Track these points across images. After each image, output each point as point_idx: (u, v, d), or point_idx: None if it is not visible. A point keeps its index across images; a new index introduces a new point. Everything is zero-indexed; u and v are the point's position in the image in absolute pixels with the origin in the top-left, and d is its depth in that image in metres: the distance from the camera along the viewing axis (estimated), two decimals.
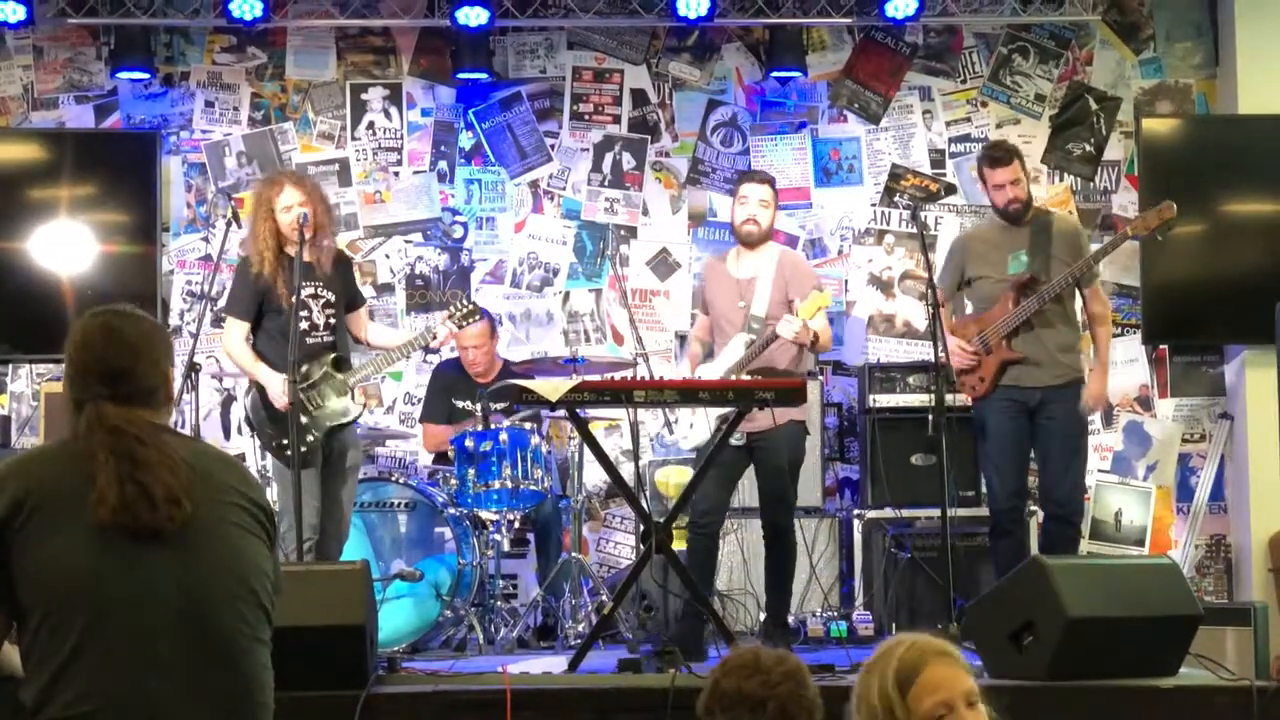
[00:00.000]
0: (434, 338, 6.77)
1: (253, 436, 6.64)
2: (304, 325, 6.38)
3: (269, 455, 6.55)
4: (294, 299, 6.24)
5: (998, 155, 6.76)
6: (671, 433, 6.85)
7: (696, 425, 6.65)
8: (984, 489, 7.12)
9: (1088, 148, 8.63)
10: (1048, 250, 6.64)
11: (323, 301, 6.45)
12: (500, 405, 7.29)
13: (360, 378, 6.58)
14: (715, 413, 6.51)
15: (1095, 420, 8.29)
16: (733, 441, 6.28)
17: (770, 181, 6.82)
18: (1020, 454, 6.69)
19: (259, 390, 6.48)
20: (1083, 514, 6.79)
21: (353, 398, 6.55)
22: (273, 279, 6.38)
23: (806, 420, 6.66)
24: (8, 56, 8.60)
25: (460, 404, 7.78)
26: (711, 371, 6.63)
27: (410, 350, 6.83)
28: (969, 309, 6.91)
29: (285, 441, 6.30)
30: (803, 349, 6.61)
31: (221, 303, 7.39)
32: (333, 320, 6.49)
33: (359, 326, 6.81)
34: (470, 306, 6.79)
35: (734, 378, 6.45)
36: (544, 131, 8.71)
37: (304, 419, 6.32)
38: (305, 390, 6.35)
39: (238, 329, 6.51)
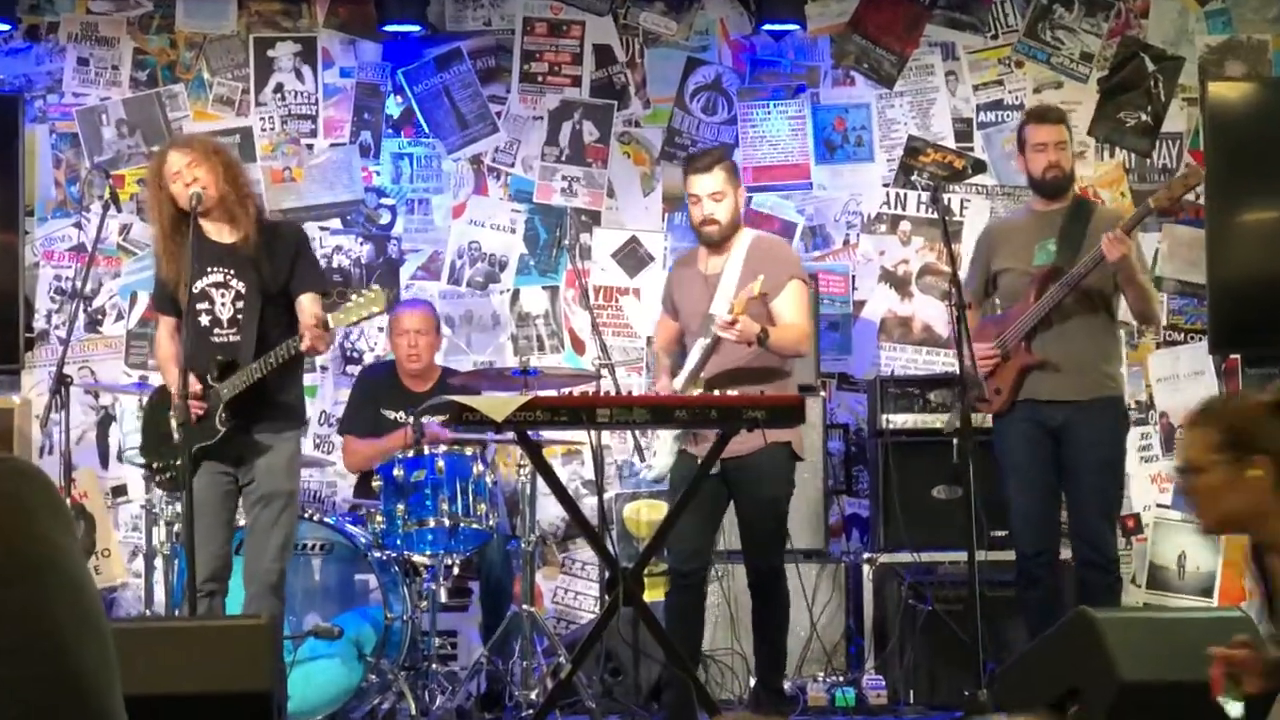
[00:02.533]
0: (305, 344, 6.21)
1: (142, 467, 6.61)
2: (204, 321, 6.32)
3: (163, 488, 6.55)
4: (192, 289, 6.19)
5: (1043, 110, 6.89)
6: (643, 459, 6.87)
7: (662, 452, 6.66)
8: None
9: (1143, 117, 8.67)
10: (1080, 240, 6.67)
11: (233, 293, 6.33)
12: (438, 418, 7.28)
13: (238, 384, 6.26)
14: (672, 434, 6.50)
15: (1153, 443, 8.34)
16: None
17: (719, 162, 6.69)
18: (1046, 485, 6.71)
19: (157, 398, 6.47)
20: (1118, 558, 6.80)
21: (222, 418, 6.26)
22: (175, 264, 6.30)
23: (796, 442, 6.62)
24: None
25: (390, 414, 7.76)
26: (676, 383, 6.61)
27: (274, 362, 6.26)
28: (998, 310, 6.94)
29: (157, 465, 6.37)
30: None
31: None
32: (240, 315, 6.37)
33: (302, 313, 6.39)
34: (367, 296, 6.27)
35: (691, 392, 6.43)
36: (488, 96, 8.71)
37: (176, 438, 6.27)
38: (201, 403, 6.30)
39: (164, 328, 6.52)
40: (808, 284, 6.81)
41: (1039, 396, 6.65)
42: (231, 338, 6.33)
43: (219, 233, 6.34)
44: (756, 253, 6.65)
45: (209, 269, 6.30)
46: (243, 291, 6.34)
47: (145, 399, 6.80)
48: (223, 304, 6.34)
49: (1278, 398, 4.05)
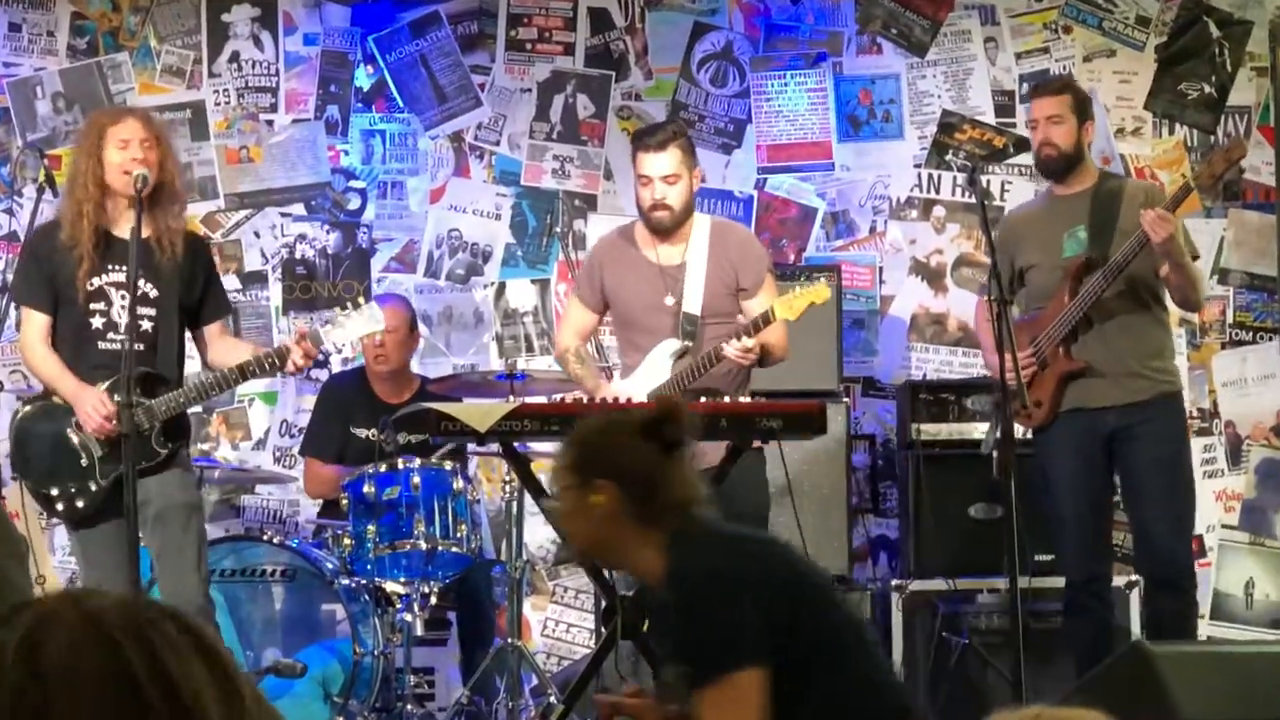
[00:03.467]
0: (283, 359, 6.23)
1: (19, 484, 6.41)
2: (97, 323, 6.20)
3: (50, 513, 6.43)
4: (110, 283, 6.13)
5: (1045, 83, 6.93)
6: None
7: None
8: None
9: (1207, 89, 8.67)
10: (1113, 223, 6.66)
11: (140, 294, 6.14)
12: (414, 436, 7.28)
13: (171, 407, 6.18)
14: None
15: (1217, 456, 8.33)
16: None
17: (674, 140, 6.62)
18: (1096, 502, 6.70)
19: (39, 411, 6.35)
20: (1194, 575, 6.79)
21: (159, 440, 6.18)
22: (82, 250, 6.16)
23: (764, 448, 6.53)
24: None
25: (361, 433, 7.75)
26: (645, 388, 6.55)
27: (239, 379, 6.32)
28: (1016, 312, 6.92)
29: (56, 492, 6.18)
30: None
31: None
32: (151, 325, 6.22)
33: (213, 346, 6.47)
34: (366, 315, 6.30)
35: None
36: (470, 66, 8.71)
37: (83, 461, 6.22)
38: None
39: (37, 324, 6.31)
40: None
41: (1088, 404, 6.63)
42: (126, 346, 6.07)
43: (123, 224, 6.19)
44: (723, 241, 6.64)
45: (110, 265, 6.19)
46: (153, 297, 6.23)
47: (18, 413, 6.49)
48: (120, 307, 6.19)
49: (649, 418, 4.15)
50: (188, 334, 6.44)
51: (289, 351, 6.17)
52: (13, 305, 6.59)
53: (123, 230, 6.20)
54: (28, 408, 6.42)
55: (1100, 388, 6.62)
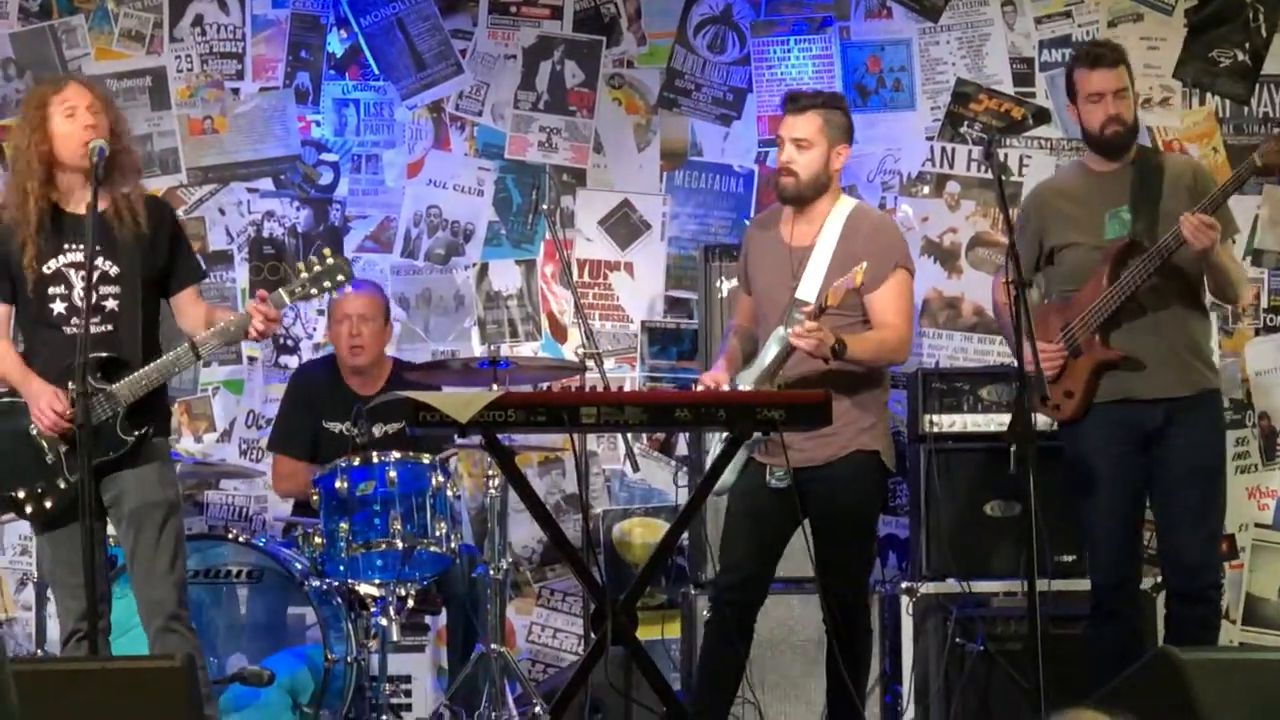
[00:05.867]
0: (258, 324, 6.17)
1: None
2: (59, 309, 6.18)
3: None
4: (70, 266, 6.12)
5: (1098, 53, 6.79)
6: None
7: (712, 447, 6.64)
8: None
9: (1240, 56, 8.67)
10: (1156, 204, 6.65)
11: (99, 274, 6.14)
12: (389, 426, 7.30)
13: (134, 390, 6.16)
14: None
15: (1251, 450, 8.34)
16: (773, 483, 6.30)
17: (818, 108, 6.63)
18: (1130, 503, 6.71)
19: (1, 410, 6.34)
20: (1222, 586, 6.82)
21: (124, 426, 6.17)
22: (28, 232, 6.14)
23: (885, 451, 6.56)
24: None
25: (334, 428, 7.76)
26: (746, 380, 6.58)
27: (210, 347, 6.30)
28: (1052, 294, 6.93)
29: (23, 494, 6.16)
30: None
31: None
32: (115, 304, 6.22)
33: (185, 314, 6.47)
34: (330, 264, 6.27)
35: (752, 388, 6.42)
36: (451, 31, 8.72)
37: (48, 458, 6.22)
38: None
39: None
40: (913, 274, 6.75)
41: (1134, 395, 6.60)
42: (98, 328, 6.12)
43: (73, 199, 6.20)
44: (856, 229, 6.60)
45: (66, 245, 6.16)
46: (114, 274, 6.21)
47: None
48: (81, 289, 6.13)
49: None
50: (164, 309, 6.42)
51: (249, 318, 6.14)
52: None
53: (77, 205, 6.18)
54: None
55: (1140, 380, 6.60)
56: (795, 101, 6.69)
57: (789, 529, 6.53)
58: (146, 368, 6.15)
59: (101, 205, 6.14)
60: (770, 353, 6.50)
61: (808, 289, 6.50)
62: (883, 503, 6.68)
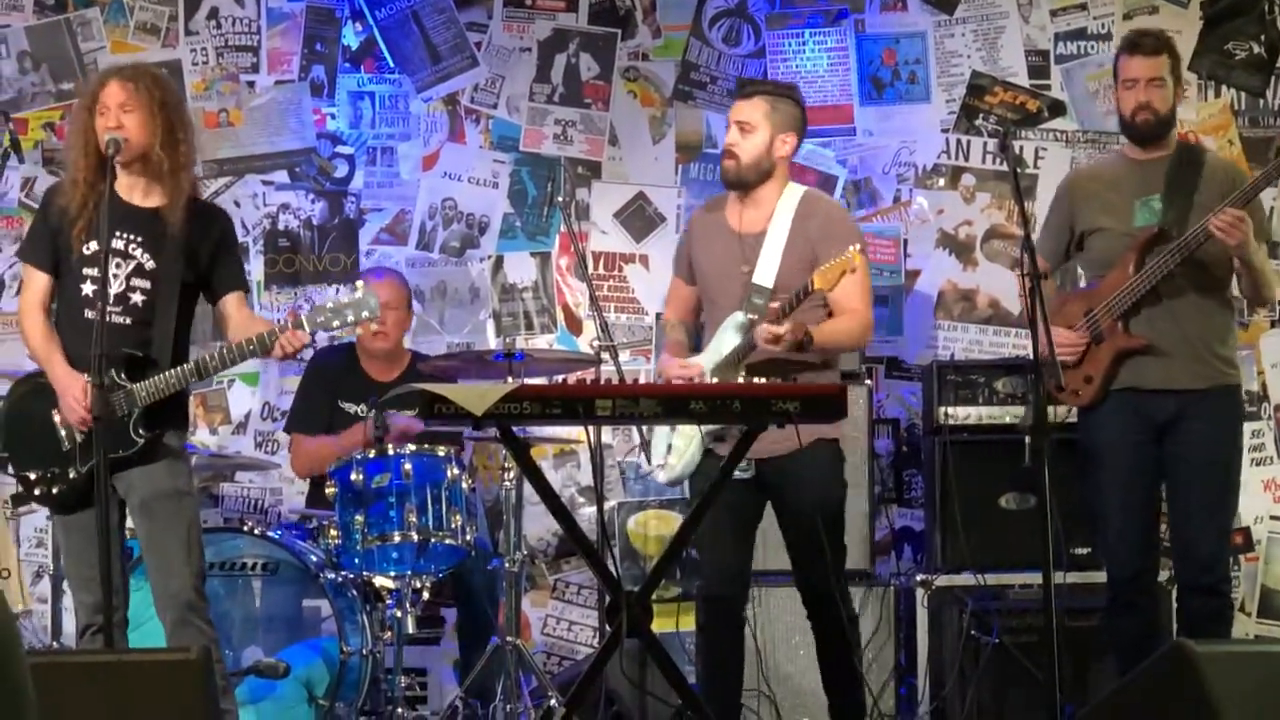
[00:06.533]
0: (273, 342, 6.19)
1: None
2: (87, 290, 6.19)
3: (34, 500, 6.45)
4: (106, 248, 6.10)
5: (1139, 40, 6.77)
6: (649, 461, 6.87)
7: (678, 446, 6.64)
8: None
9: (1256, 48, 8.66)
10: (1190, 197, 6.64)
11: (134, 265, 6.23)
12: (406, 410, 7.29)
13: (152, 392, 6.19)
14: (705, 427, 6.49)
15: (1266, 443, 8.34)
16: (737, 474, 6.30)
17: (764, 94, 6.66)
18: (1146, 493, 6.70)
19: (32, 389, 6.37)
20: (1230, 578, 6.81)
21: (136, 428, 6.19)
22: (75, 214, 6.20)
23: (842, 439, 6.64)
24: None
25: (349, 408, 7.77)
26: (707, 368, 6.60)
27: (223, 363, 6.29)
28: (1082, 281, 6.92)
29: (35, 475, 6.21)
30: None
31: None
32: (145, 297, 6.27)
33: (225, 321, 6.52)
34: (358, 298, 6.25)
35: (720, 380, 6.42)
36: (466, 24, 8.72)
37: (64, 446, 6.23)
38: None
39: (35, 285, 6.34)
40: (868, 257, 6.76)
41: (1145, 384, 6.60)
42: (121, 319, 6.19)
43: (132, 192, 6.27)
44: (810, 213, 6.60)
45: (116, 232, 6.17)
46: (150, 269, 6.25)
47: (13, 390, 6.51)
48: (115, 276, 6.20)
49: None
50: (199, 313, 6.47)
51: (277, 336, 6.14)
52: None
53: (132, 197, 6.25)
54: (22, 386, 6.43)
55: (1160, 368, 6.59)
56: (744, 87, 6.81)
57: (756, 519, 6.60)
58: (168, 373, 6.16)
59: (156, 201, 6.24)
60: (730, 340, 6.52)
61: (764, 274, 6.51)
62: (845, 489, 6.65)
